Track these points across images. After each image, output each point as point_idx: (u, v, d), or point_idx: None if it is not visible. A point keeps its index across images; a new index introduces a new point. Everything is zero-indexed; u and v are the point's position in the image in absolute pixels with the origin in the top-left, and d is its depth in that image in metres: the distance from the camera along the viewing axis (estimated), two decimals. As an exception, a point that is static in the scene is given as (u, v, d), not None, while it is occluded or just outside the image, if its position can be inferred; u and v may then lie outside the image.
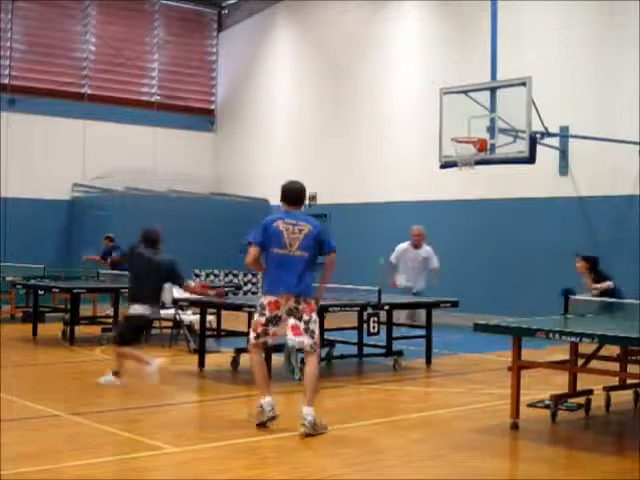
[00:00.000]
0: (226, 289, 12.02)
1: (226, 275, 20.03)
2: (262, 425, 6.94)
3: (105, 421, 7.13)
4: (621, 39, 14.38)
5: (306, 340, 7.08)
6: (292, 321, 7.07)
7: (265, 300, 7.09)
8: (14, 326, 14.71)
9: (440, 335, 11.98)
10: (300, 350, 7.27)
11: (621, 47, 14.36)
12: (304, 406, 6.91)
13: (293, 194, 7.26)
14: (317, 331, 7.18)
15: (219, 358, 10.64)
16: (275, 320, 7.09)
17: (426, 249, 12.88)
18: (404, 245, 13.00)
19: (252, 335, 7.18)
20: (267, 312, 7.06)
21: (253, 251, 7.09)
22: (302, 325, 7.06)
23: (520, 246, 15.43)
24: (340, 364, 10.63)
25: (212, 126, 22.84)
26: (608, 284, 10.77)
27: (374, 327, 9.99)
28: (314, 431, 6.75)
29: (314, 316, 7.15)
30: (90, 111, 20.40)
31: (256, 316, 7.18)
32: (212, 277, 19.40)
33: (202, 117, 22.71)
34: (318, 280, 7.50)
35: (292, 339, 7.11)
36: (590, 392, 7.81)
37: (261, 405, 7.02)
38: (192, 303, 10.52)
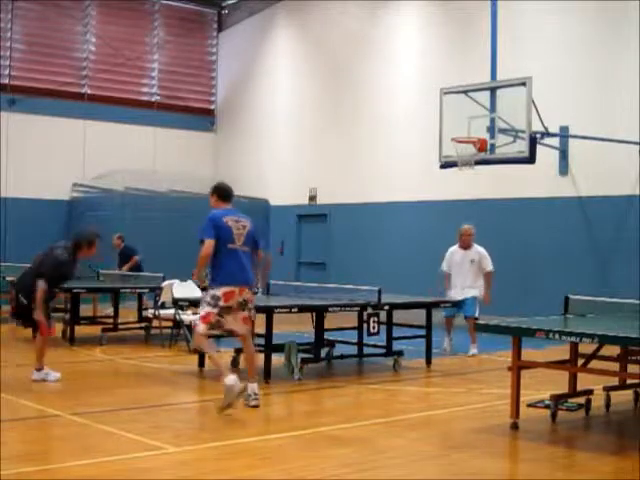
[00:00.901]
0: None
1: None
2: (231, 405, 7.31)
3: (105, 421, 7.12)
4: (621, 39, 14.39)
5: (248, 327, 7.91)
6: (244, 312, 7.76)
7: (220, 292, 7.60)
8: (14, 326, 14.69)
9: (440, 335, 12.00)
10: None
11: (621, 47, 14.36)
12: (250, 383, 7.65)
13: (228, 191, 8.01)
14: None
15: (219, 358, 10.61)
16: (227, 311, 7.66)
17: (477, 250, 12.07)
18: (452, 248, 12.22)
19: (204, 326, 7.65)
20: (222, 303, 7.60)
21: (210, 245, 7.64)
22: (248, 314, 7.81)
23: (520, 246, 15.43)
24: (340, 364, 10.63)
25: (212, 126, 22.84)
26: None
27: (374, 327, 9.99)
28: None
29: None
30: (90, 111, 20.41)
31: (208, 308, 7.64)
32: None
33: (202, 117, 22.71)
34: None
35: (242, 328, 7.80)
36: (590, 392, 7.81)
37: (230, 383, 7.32)
38: (192, 303, 10.51)
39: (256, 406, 7.64)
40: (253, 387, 7.70)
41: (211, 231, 7.69)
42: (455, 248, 12.19)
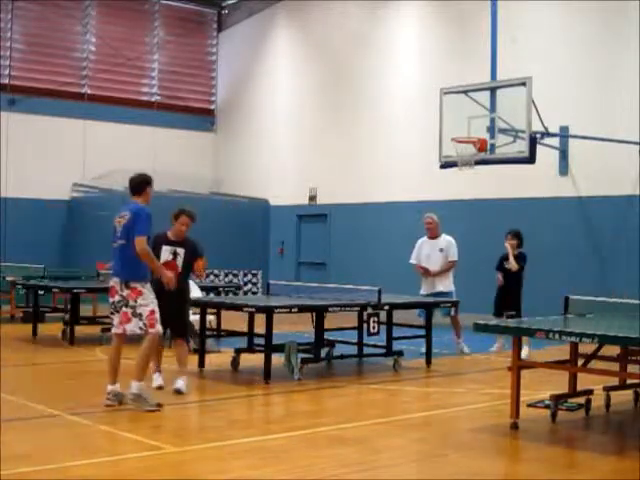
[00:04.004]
0: (227, 289, 11.96)
1: (226, 275, 20.05)
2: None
3: (105, 421, 7.13)
4: (621, 39, 14.39)
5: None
6: (125, 310, 7.73)
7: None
8: (14, 326, 14.72)
9: (440, 335, 12.00)
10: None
11: (621, 47, 14.36)
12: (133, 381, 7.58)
13: (130, 184, 7.99)
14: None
15: (219, 358, 10.64)
16: (114, 307, 7.76)
17: (446, 239, 12.12)
18: (422, 239, 12.31)
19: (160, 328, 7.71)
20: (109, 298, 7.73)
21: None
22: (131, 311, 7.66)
23: (522, 247, 15.41)
24: (340, 364, 10.63)
25: (212, 126, 22.84)
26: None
27: (374, 327, 9.99)
28: (138, 405, 7.40)
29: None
30: (90, 111, 20.41)
31: (155, 307, 7.62)
32: (212, 277, 19.40)
33: (202, 117, 22.71)
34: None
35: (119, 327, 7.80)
36: (590, 392, 7.81)
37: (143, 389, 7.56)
38: (192, 303, 10.50)
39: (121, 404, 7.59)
40: (134, 385, 7.59)
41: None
42: (424, 239, 12.28)
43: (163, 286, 7.97)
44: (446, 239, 12.13)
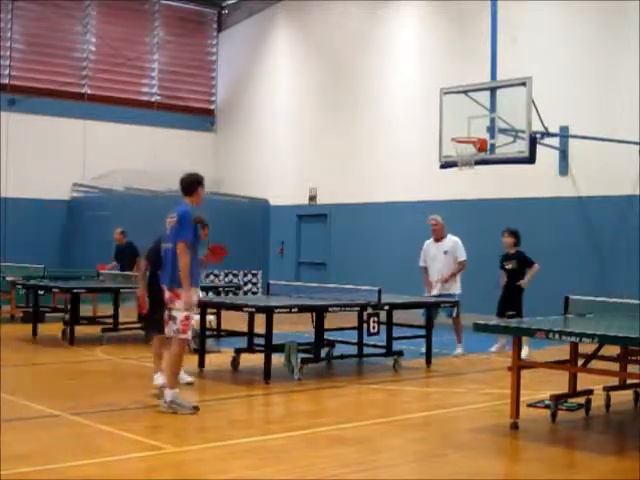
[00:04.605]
0: (227, 289, 11.95)
1: (226, 275, 20.05)
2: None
3: (105, 421, 7.13)
4: (621, 39, 14.39)
5: None
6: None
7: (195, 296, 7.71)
8: (14, 326, 14.72)
9: (440, 335, 12.00)
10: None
11: (621, 47, 14.35)
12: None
13: (182, 184, 7.80)
14: None
15: (219, 358, 10.64)
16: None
17: (452, 240, 11.97)
18: (428, 241, 12.15)
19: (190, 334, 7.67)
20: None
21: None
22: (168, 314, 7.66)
23: (520, 246, 15.40)
24: (340, 364, 10.63)
25: (212, 126, 22.85)
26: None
27: (374, 327, 9.99)
28: (174, 410, 7.40)
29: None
30: (90, 111, 20.42)
31: (190, 314, 7.61)
32: (212, 277, 19.41)
33: (202, 117, 22.71)
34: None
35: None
36: (590, 392, 7.81)
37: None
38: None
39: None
40: (167, 394, 7.55)
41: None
42: (430, 241, 12.15)
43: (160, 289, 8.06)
44: (452, 240, 12.01)
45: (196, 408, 7.51)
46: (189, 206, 7.70)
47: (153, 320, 9.06)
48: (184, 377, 8.78)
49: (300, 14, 20.70)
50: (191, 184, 7.76)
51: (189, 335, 7.65)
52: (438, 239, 12.03)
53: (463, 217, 15.94)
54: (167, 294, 7.58)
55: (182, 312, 7.52)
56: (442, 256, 11.90)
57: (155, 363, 8.95)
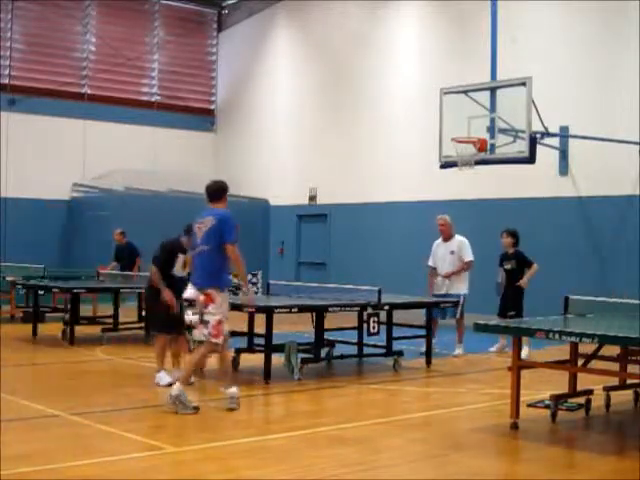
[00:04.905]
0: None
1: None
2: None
3: (105, 421, 7.13)
4: (621, 39, 14.38)
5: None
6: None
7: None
8: (14, 326, 14.72)
9: (440, 335, 12.00)
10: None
11: (621, 47, 14.35)
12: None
13: (207, 191, 7.92)
14: None
15: (220, 358, 10.61)
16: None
17: (458, 240, 12.01)
18: (436, 241, 12.18)
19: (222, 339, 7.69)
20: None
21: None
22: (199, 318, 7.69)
23: (520, 246, 15.41)
24: (340, 364, 10.63)
25: (212, 126, 22.85)
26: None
27: (374, 327, 9.99)
28: (176, 407, 7.39)
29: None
30: (90, 111, 20.42)
31: (223, 318, 7.66)
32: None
33: (202, 117, 22.71)
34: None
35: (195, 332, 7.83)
36: (590, 392, 7.81)
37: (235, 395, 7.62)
38: (192, 303, 10.51)
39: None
40: (175, 388, 7.58)
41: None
42: (439, 241, 12.17)
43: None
44: (458, 240, 12.02)
45: (196, 408, 7.51)
46: (227, 210, 7.86)
47: (156, 320, 9.10)
48: (165, 378, 8.86)
49: (300, 14, 20.70)
50: (218, 191, 7.95)
51: (220, 340, 7.64)
52: (446, 239, 12.05)
53: (463, 217, 15.91)
54: (200, 297, 7.58)
55: (215, 316, 7.56)
56: (449, 256, 11.92)
57: (157, 363, 8.98)
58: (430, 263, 12.19)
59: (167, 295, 8.88)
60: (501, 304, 11.75)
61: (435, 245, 12.22)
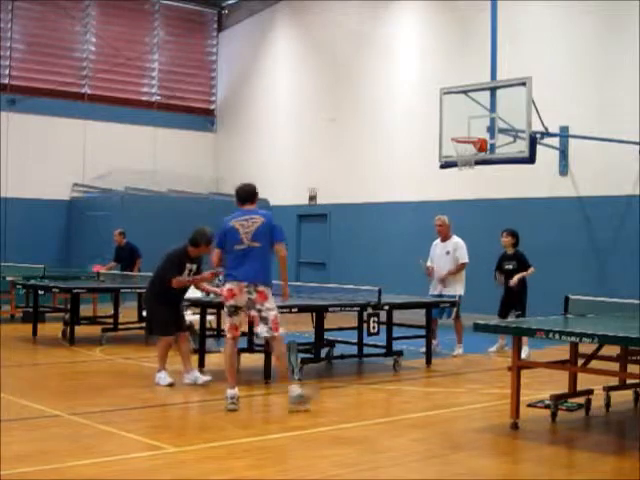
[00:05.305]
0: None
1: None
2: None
3: (105, 421, 7.13)
4: (621, 39, 14.39)
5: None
6: (251, 312, 7.80)
7: (224, 290, 7.86)
8: (14, 326, 14.71)
9: (440, 335, 12.00)
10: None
11: (621, 47, 14.36)
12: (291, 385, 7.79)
13: (239, 193, 8.07)
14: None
15: (219, 358, 10.62)
16: (235, 311, 7.81)
17: (453, 241, 11.97)
18: (435, 241, 12.20)
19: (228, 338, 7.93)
20: (225, 301, 7.81)
21: (216, 254, 7.95)
22: (257, 314, 7.75)
23: (520, 246, 15.41)
24: (340, 364, 10.63)
25: (212, 126, 22.85)
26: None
27: (374, 327, 9.99)
28: (300, 406, 7.62)
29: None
30: (90, 111, 20.42)
31: (227, 319, 7.91)
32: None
33: (202, 117, 22.72)
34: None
35: (257, 329, 7.87)
36: (590, 392, 7.81)
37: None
38: (192, 303, 10.52)
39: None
40: (294, 389, 7.77)
41: (218, 240, 7.95)
42: (437, 241, 12.20)
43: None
44: (454, 241, 12.00)
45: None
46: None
47: (158, 321, 9.10)
48: (166, 379, 8.88)
49: (300, 14, 20.70)
50: (251, 193, 8.08)
51: (282, 331, 7.80)
52: (443, 239, 12.07)
53: (463, 217, 15.93)
54: (254, 295, 7.64)
55: (272, 311, 7.68)
56: (445, 256, 11.92)
57: (159, 363, 8.99)
58: (429, 263, 12.19)
59: (210, 288, 9.46)
60: (501, 304, 11.74)
61: (433, 245, 12.25)
